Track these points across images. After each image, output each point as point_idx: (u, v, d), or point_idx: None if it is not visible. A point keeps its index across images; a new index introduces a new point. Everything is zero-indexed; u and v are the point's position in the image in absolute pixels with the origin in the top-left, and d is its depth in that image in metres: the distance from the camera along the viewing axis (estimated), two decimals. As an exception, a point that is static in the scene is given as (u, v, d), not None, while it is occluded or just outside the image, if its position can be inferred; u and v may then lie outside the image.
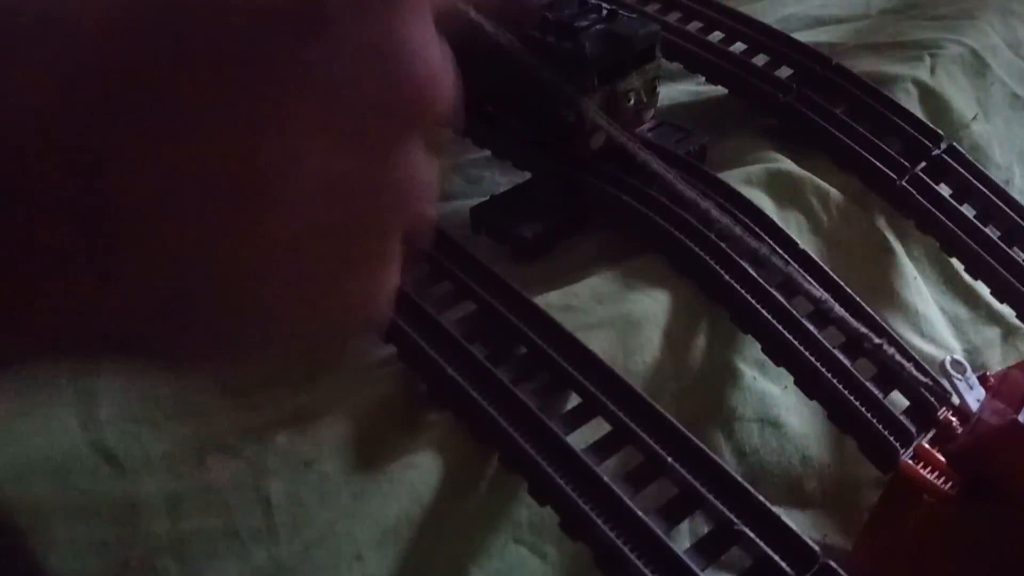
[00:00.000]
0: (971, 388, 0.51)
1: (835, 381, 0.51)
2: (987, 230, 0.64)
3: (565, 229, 0.62)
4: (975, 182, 0.67)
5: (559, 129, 0.59)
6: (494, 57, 0.58)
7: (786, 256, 0.57)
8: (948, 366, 0.51)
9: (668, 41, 0.74)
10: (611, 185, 0.60)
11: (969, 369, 0.52)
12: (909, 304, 0.65)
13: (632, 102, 0.60)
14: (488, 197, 0.62)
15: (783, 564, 0.42)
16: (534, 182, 0.63)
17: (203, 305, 0.19)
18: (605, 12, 0.59)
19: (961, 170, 0.67)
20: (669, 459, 0.46)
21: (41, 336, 0.18)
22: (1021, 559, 0.43)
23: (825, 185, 0.66)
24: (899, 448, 0.49)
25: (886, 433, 0.49)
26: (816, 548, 0.43)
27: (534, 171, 0.63)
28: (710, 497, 0.44)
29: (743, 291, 0.54)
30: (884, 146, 0.67)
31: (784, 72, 0.73)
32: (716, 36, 0.76)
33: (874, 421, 0.50)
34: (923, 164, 0.67)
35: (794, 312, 0.53)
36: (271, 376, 0.52)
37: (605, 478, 0.44)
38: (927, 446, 0.48)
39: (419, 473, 0.47)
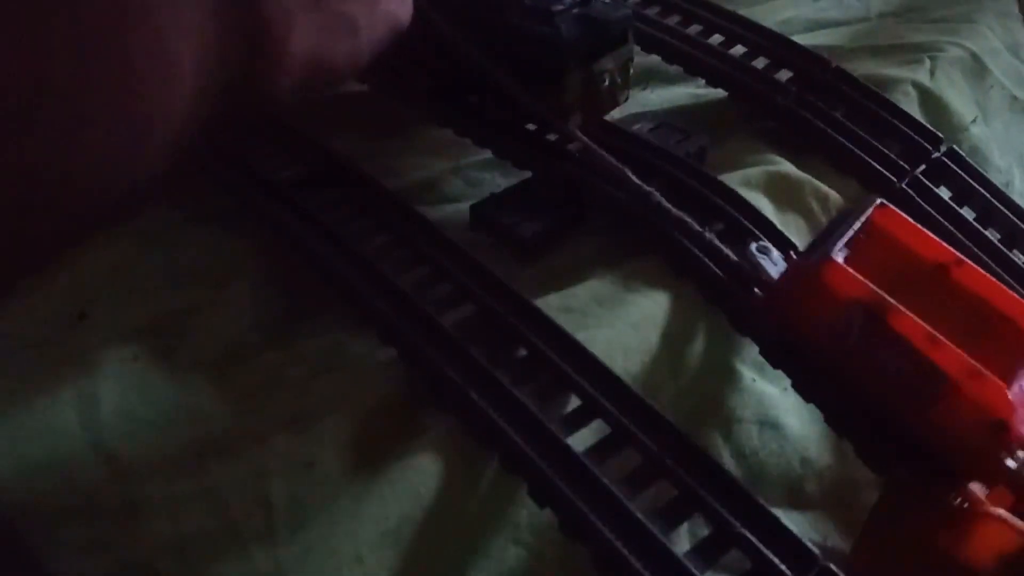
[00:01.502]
0: (775, 264, 0.52)
1: (832, 384, 0.51)
2: (987, 233, 0.64)
3: (564, 228, 0.62)
4: (975, 185, 0.67)
5: (536, 111, 0.60)
6: (472, 39, 0.59)
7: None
8: (753, 250, 0.52)
9: (668, 44, 0.75)
10: (609, 183, 0.60)
11: (774, 249, 0.53)
12: (908, 306, 0.65)
13: (607, 83, 0.61)
14: (488, 196, 0.62)
15: (783, 567, 0.42)
16: (534, 181, 0.64)
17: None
18: None
19: (961, 173, 0.67)
20: (668, 461, 0.46)
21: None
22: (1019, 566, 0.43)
23: (824, 187, 0.67)
24: (894, 451, 0.49)
25: (882, 436, 0.49)
26: (816, 551, 0.43)
27: (534, 170, 0.64)
28: (709, 499, 0.45)
29: (739, 294, 0.54)
30: (883, 149, 0.67)
31: (784, 75, 0.73)
32: (716, 39, 0.76)
33: (870, 424, 0.50)
34: (923, 167, 0.67)
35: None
36: (272, 377, 0.52)
37: (604, 480, 0.44)
38: None
39: (419, 474, 0.47)
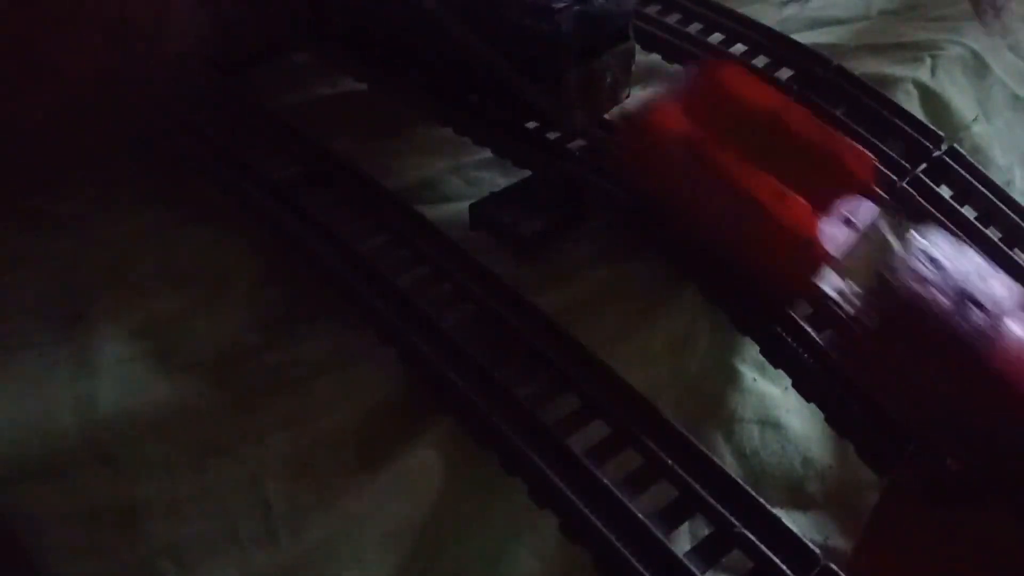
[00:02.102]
0: None
1: (833, 384, 0.51)
2: (988, 231, 0.64)
3: (564, 227, 0.62)
4: (976, 183, 0.66)
5: (537, 109, 0.61)
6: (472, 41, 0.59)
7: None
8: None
9: (669, 43, 0.74)
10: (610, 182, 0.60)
11: None
12: (910, 305, 0.65)
13: (608, 81, 0.62)
14: (488, 195, 0.62)
15: (784, 567, 0.42)
16: (533, 179, 0.63)
17: None
18: None
19: (962, 171, 0.67)
20: (669, 461, 0.46)
21: None
22: (1020, 565, 0.43)
23: (825, 186, 0.66)
24: (895, 451, 0.48)
25: (883, 437, 0.49)
26: (817, 551, 0.43)
27: (534, 168, 0.64)
28: (710, 499, 0.44)
29: (740, 293, 0.54)
30: (885, 147, 0.67)
31: (784, 73, 0.73)
32: (716, 38, 0.76)
33: (871, 424, 0.50)
34: (924, 165, 0.67)
35: (793, 315, 0.53)
36: (271, 377, 0.52)
37: (605, 480, 0.44)
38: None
39: (419, 475, 0.47)
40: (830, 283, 0.47)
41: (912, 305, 0.43)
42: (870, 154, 0.50)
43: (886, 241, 0.46)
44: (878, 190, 0.49)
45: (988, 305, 0.43)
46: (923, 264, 0.43)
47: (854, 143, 0.51)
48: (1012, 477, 0.43)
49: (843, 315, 0.46)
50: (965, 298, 0.43)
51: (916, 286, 0.43)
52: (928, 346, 0.43)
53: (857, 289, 0.46)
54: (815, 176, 0.48)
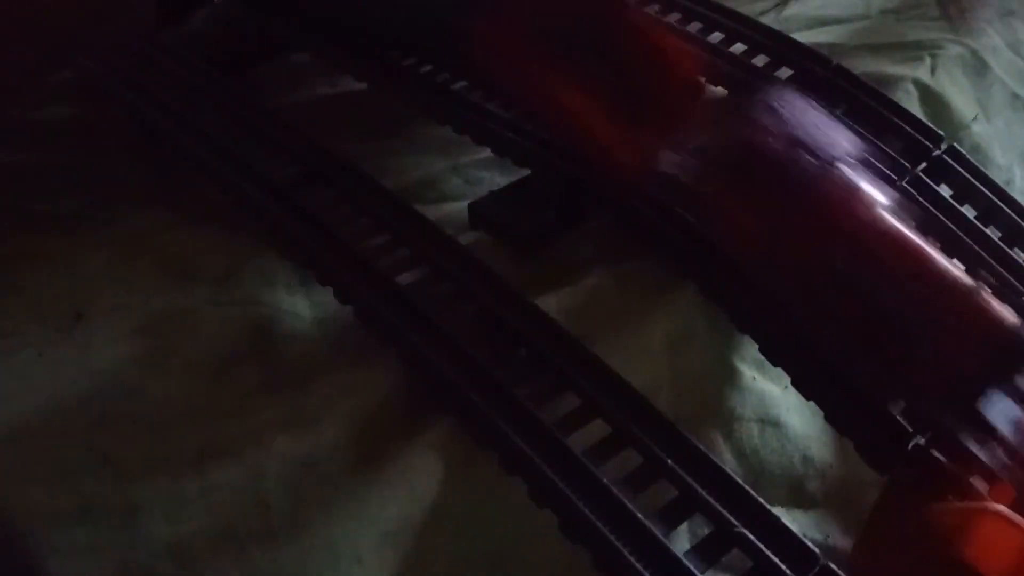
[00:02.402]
0: None
1: (832, 381, 0.51)
2: (988, 231, 0.64)
3: (564, 226, 0.62)
4: (976, 183, 0.66)
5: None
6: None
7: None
8: None
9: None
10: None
11: None
12: (910, 305, 0.65)
13: None
14: (487, 194, 0.62)
15: (783, 567, 0.42)
16: (533, 178, 0.63)
17: None
18: None
19: (962, 171, 0.67)
20: (669, 461, 0.46)
21: None
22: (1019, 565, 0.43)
23: (825, 186, 0.66)
24: (895, 450, 0.48)
25: (883, 434, 0.49)
26: (816, 550, 0.43)
27: (533, 167, 0.64)
28: (709, 499, 0.44)
29: (740, 292, 0.54)
30: (884, 147, 0.67)
31: (784, 73, 0.73)
32: (716, 37, 0.76)
33: (871, 422, 0.49)
34: (923, 165, 0.67)
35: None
36: (271, 377, 0.52)
37: (604, 480, 0.44)
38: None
39: (419, 475, 0.47)
40: (666, 162, 0.49)
41: (744, 149, 0.44)
42: (701, 53, 0.54)
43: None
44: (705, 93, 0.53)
45: (819, 152, 0.44)
46: (759, 113, 0.44)
47: (688, 46, 0.54)
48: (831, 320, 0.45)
49: (683, 182, 0.48)
50: (797, 145, 0.43)
51: (749, 131, 0.44)
52: (757, 191, 0.44)
53: (694, 161, 0.48)
54: (646, 79, 0.50)
